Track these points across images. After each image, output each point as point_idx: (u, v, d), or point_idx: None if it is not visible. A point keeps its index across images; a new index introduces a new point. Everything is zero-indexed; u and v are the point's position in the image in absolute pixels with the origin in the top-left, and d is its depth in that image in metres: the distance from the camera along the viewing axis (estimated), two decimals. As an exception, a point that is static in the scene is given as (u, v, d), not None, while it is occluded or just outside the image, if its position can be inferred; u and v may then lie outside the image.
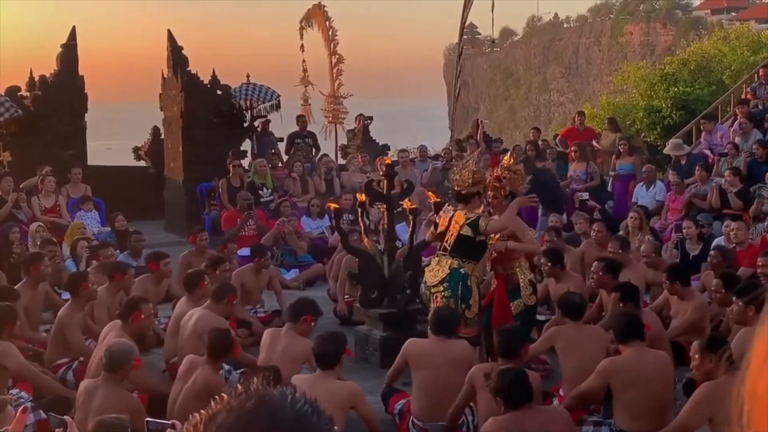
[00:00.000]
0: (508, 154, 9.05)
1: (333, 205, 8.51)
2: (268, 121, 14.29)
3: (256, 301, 8.73)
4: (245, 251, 10.40)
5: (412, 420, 5.78)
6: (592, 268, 7.35)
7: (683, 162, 12.42)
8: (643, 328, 5.60)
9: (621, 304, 6.37)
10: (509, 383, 4.75)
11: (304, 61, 16.47)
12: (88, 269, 8.69)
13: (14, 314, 6.50)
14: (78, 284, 7.23)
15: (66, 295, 8.44)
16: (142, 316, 6.49)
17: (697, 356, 5.09)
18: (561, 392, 5.95)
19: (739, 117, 13.17)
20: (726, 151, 12.33)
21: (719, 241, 9.40)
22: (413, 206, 7.82)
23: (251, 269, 8.65)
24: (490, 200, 7.19)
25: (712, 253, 8.21)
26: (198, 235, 9.42)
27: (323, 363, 5.43)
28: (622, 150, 13.02)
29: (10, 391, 5.72)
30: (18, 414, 2.14)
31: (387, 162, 8.37)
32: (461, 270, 6.70)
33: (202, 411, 1.15)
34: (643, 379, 5.32)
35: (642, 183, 12.34)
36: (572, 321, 6.15)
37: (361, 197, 7.77)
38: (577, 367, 5.88)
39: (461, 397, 5.51)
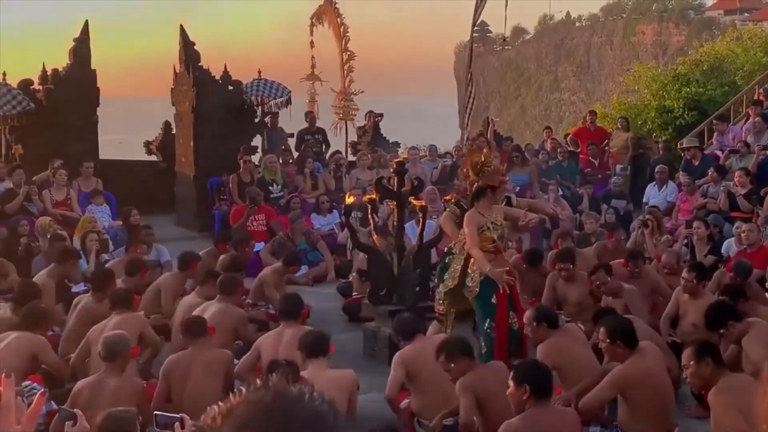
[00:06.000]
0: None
1: (348, 197, 8.54)
2: (278, 117, 14.28)
3: (271, 298, 8.74)
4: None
5: (418, 420, 5.78)
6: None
7: (696, 163, 12.38)
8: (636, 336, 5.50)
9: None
10: (538, 375, 4.67)
11: (313, 57, 16.46)
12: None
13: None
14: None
15: (76, 288, 8.48)
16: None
17: (692, 363, 4.87)
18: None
19: (752, 117, 13.14)
20: (738, 148, 12.29)
21: (730, 242, 9.37)
22: (422, 204, 7.82)
23: (279, 272, 8.67)
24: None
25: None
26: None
27: (314, 350, 5.48)
28: (516, 160, 12.50)
29: (23, 383, 5.75)
30: (37, 397, 2.19)
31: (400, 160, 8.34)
32: (451, 246, 6.87)
33: (220, 404, 1.16)
34: (651, 389, 5.25)
35: (654, 183, 12.30)
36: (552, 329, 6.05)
37: (371, 194, 7.76)
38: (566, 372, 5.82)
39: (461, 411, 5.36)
